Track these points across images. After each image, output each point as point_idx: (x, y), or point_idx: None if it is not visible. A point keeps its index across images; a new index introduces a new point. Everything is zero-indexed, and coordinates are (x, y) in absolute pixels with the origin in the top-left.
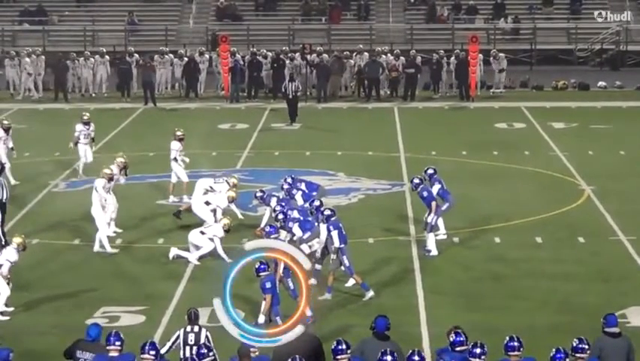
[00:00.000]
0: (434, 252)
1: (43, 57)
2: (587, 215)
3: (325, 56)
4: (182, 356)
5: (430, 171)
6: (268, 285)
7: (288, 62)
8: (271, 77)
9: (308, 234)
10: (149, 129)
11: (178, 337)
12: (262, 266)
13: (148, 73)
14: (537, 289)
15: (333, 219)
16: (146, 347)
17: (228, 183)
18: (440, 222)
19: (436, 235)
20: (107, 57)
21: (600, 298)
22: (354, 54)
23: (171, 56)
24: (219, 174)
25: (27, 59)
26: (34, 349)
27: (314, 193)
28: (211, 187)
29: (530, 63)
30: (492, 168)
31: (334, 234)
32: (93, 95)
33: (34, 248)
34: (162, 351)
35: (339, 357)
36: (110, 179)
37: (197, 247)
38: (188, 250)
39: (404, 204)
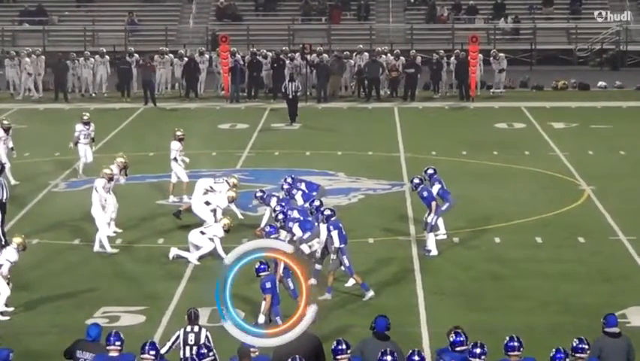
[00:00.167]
0: (434, 252)
1: (43, 57)
2: (587, 215)
3: (325, 56)
4: (182, 356)
5: (430, 171)
6: (268, 285)
7: (288, 62)
8: (271, 77)
9: (308, 234)
10: (149, 129)
11: (178, 337)
12: (262, 266)
13: (148, 73)
14: (537, 289)
15: (333, 219)
16: (146, 347)
17: (228, 183)
18: (440, 222)
19: (436, 235)
20: (107, 57)
21: (600, 298)
22: (354, 54)
23: (171, 56)
24: (219, 174)
25: (27, 59)
26: (34, 349)
27: (314, 193)
28: (211, 187)
29: (530, 63)
30: (492, 168)
31: (334, 234)
32: (93, 95)
33: (34, 248)
34: (162, 351)
35: (339, 357)
36: (110, 179)
37: (197, 247)
38: (188, 250)
39: (404, 204)
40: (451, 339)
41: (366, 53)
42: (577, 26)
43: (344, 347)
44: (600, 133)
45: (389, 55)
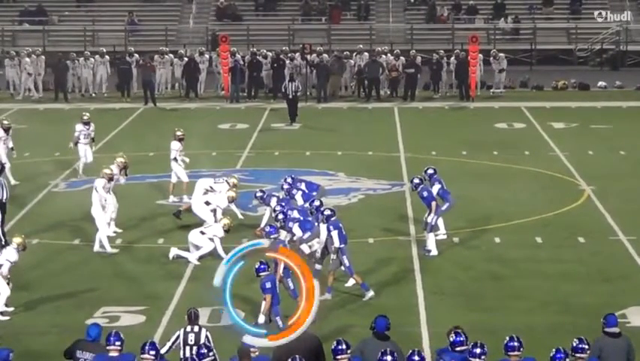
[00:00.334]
0: (434, 252)
1: (43, 57)
2: (587, 215)
3: (325, 56)
4: (182, 356)
5: (430, 171)
6: (268, 285)
7: (288, 62)
8: (271, 77)
9: (308, 234)
10: (149, 129)
11: (178, 337)
12: (262, 266)
13: (148, 73)
14: (537, 289)
15: (333, 219)
16: (146, 347)
17: (228, 183)
18: (440, 222)
19: (436, 235)
20: (107, 57)
21: (600, 298)
22: (354, 54)
23: (171, 56)
24: (219, 174)
25: (27, 59)
26: (34, 349)
27: (314, 193)
28: (211, 187)
29: (530, 63)
30: (492, 168)
31: (334, 234)
32: (93, 95)
33: (34, 248)
34: (162, 351)
35: (339, 357)
36: (110, 179)
37: (197, 247)
38: (188, 250)
39: (404, 204)
40: (451, 339)
41: (366, 53)
42: (577, 26)
43: (344, 347)
44: (600, 133)
45: (389, 55)
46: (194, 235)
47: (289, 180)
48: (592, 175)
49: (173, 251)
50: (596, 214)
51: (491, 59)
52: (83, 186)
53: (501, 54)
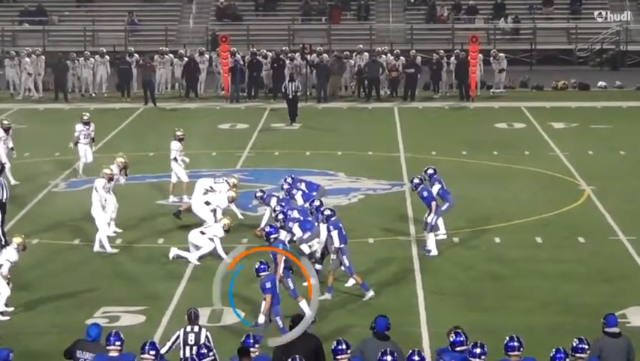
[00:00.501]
0: (434, 252)
1: (43, 57)
2: (587, 215)
3: (325, 56)
4: (182, 356)
5: (430, 171)
6: (268, 285)
7: (288, 62)
8: (271, 77)
9: (308, 234)
10: (149, 129)
11: (178, 337)
12: (262, 266)
13: (148, 73)
14: (537, 289)
15: (333, 219)
16: (146, 347)
17: (228, 183)
18: (440, 222)
19: (436, 235)
20: (107, 57)
21: (600, 298)
22: (354, 54)
23: (171, 56)
24: (219, 174)
25: (27, 59)
26: (34, 349)
27: (314, 193)
28: (211, 187)
29: (530, 63)
30: (492, 168)
31: (334, 234)
32: (93, 95)
33: (34, 248)
34: (162, 351)
35: (339, 357)
36: (110, 179)
37: (197, 247)
38: (188, 250)
39: (404, 204)
40: (451, 339)
41: (366, 53)
42: (577, 26)
43: (344, 347)
44: (600, 133)
45: (389, 55)
46: (194, 235)
47: (289, 180)
48: (592, 175)
49: (173, 251)
50: (596, 214)
51: (491, 59)
52: (83, 186)
53: (501, 54)
